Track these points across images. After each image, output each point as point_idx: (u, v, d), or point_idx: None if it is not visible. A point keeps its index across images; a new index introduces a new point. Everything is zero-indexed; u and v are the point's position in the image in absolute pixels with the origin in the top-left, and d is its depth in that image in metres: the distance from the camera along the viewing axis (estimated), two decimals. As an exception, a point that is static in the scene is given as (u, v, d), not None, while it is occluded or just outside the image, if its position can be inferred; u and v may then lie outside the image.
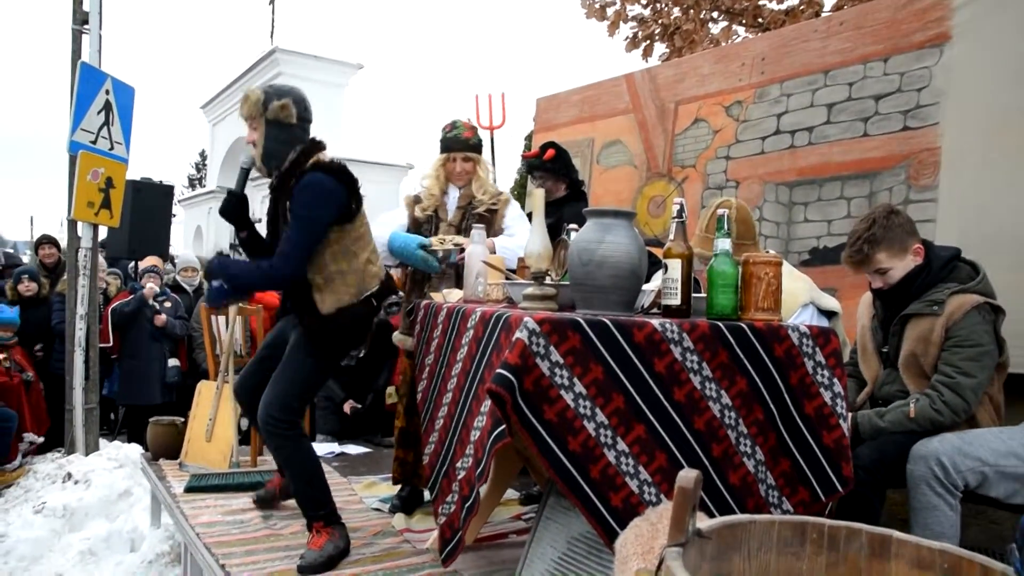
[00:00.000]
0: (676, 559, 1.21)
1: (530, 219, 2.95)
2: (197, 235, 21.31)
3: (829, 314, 2.97)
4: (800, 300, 2.91)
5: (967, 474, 2.43)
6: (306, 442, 2.95)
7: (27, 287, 6.37)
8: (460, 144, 3.48)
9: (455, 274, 3.28)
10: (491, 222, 3.41)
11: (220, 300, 3.13)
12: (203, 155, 31.71)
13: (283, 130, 2.91)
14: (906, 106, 3.90)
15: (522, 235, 3.28)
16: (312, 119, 3.03)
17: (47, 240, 7.17)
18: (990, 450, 2.46)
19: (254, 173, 3.04)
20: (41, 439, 5.72)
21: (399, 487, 3.54)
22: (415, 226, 3.49)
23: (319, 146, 2.98)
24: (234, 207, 3.03)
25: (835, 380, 2.23)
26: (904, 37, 3.93)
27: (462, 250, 3.18)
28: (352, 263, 2.91)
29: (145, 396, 6.38)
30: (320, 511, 2.87)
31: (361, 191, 2.94)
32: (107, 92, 5.17)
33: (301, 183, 2.81)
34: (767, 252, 2.72)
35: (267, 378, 2.93)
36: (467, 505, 2.11)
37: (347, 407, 5.53)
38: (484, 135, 4.78)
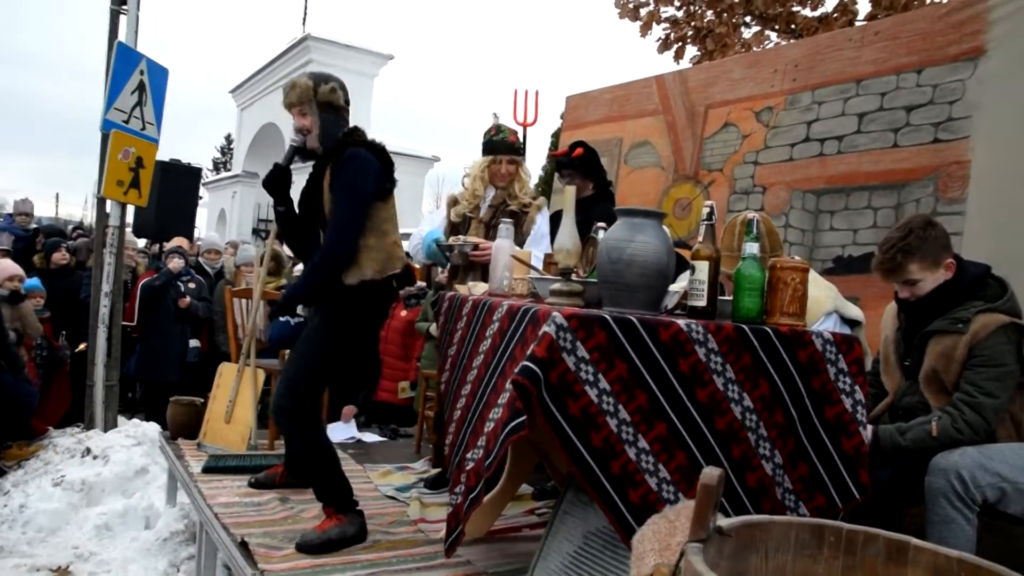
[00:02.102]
0: (697, 555, 1.23)
1: (557, 217, 2.99)
2: (221, 218, 21.49)
3: (852, 323, 2.97)
4: (824, 308, 2.91)
5: (986, 489, 2.41)
6: (319, 429, 2.99)
7: (63, 256, 6.48)
8: (506, 147, 3.62)
9: (482, 269, 3.34)
10: (520, 222, 3.50)
11: (282, 336, 3.16)
12: (229, 139, 31.94)
13: (335, 112, 3.05)
14: (937, 118, 3.87)
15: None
16: (349, 101, 3.17)
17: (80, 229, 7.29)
18: (1010, 466, 2.45)
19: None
20: None
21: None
22: (451, 228, 3.61)
23: (359, 129, 3.10)
24: (278, 180, 3.13)
25: (856, 387, 2.24)
26: (939, 49, 3.90)
27: (475, 247, 3.27)
28: (380, 240, 2.95)
29: (163, 374, 6.46)
30: (331, 497, 2.92)
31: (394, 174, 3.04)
32: (141, 72, 5.24)
33: (344, 157, 2.90)
34: (794, 258, 2.72)
35: None
36: (471, 496, 2.12)
37: (347, 413, 5.50)
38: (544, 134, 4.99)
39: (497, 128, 3.67)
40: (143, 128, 5.32)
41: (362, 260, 2.91)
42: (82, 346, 5.87)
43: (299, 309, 3.31)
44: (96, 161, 5.18)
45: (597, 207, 4.11)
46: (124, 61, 5.11)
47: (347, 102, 3.10)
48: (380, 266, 2.94)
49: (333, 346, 2.97)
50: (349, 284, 2.88)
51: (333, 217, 2.88)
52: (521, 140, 3.77)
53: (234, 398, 4.27)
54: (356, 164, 2.88)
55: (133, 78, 5.18)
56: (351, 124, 3.10)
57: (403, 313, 5.72)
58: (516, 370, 1.81)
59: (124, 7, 5.21)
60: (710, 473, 1.31)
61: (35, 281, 5.90)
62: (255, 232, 18.23)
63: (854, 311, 3.00)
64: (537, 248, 3.38)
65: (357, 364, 3.24)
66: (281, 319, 3.42)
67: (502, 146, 3.61)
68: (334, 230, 2.87)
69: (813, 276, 3.04)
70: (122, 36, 5.19)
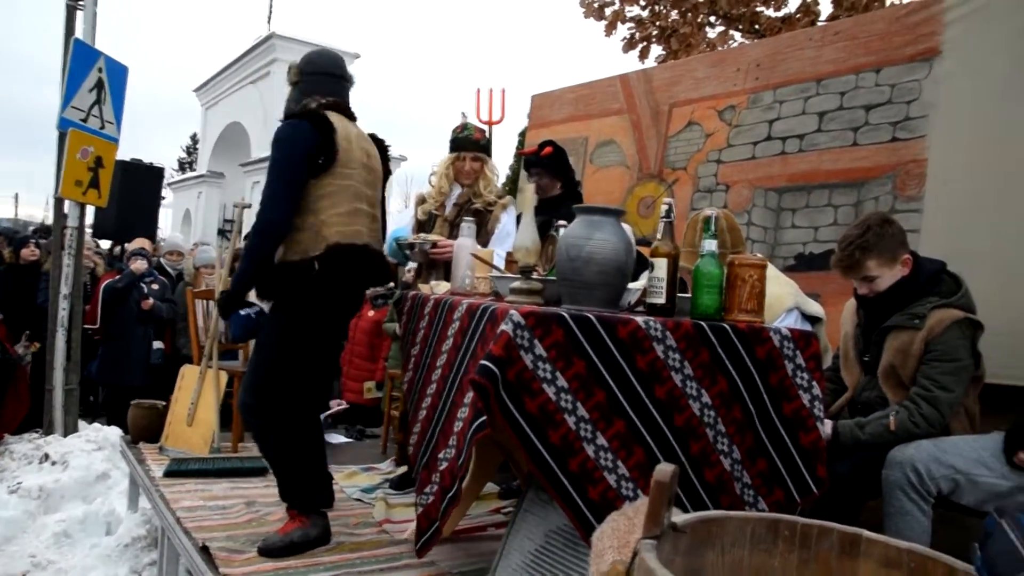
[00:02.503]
0: (650, 551, 1.23)
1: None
2: (186, 219, 21.22)
3: (813, 319, 3.00)
4: (785, 304, 2.95)
5: (940, 481, 2.46)
6: (284, 427, 2.84)
7: (31, 251, 6.35)
8: (471, 144, 3.61)
9: (446, 267, 3.32)
10: (484, 221, 3.48)
11: (246, 331, 3.04)
12: (194, 139, 31.54)
13: (293, 90, 2.99)
14: (895, 117, 3.93)
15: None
16: (325, 70, 3.01)
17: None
18: (963, 458, 2.50)
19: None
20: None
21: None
22: (418, 226, 3.60)
23: (323, 102, 2.88)
24: None
25: (814, 383, 2.26)
26: (896, 49, 3.96)
27: (434, 245, 3.27)
28: (307, 220, 2.74)
29: (126, 377, 6.36)
30: (295, 498, 2.86)
31: (341, 149, 2.78)
32: (100, 70, 5.16)
33: (276, 129, 2.77)
34: (754, 255, 2.75)
35: None
36: (448, 496, 2.12)
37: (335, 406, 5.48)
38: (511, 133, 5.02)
39: (464, 126, 3.67)
40: (102, 127, 5.23)
41: (289, 242, 2.75)
42: (34, 346, 5.78)
43: (254, 300, 3.14)
44: (51, 160, 5.09)
45: (565, 206, 4.12)
46: (81, 58, 5.02)
47: (305, 71, 2.98)
48: (303, 247, 2.73)
49: (286, 338, 2.81)
50: (274, 264, 2.76)
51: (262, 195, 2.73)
52: (488, 139, 3.76)
53: (196, 400, 4.21)
54: (280, 134, 2.72)
55: (91, 76, 5.09)
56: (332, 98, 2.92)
57: (370, 313, 5.68)
58: (475, 369, 1.80)
59: (80, 3, 5.12)
60: (663, 469, 1.31)
61: None
62: (220, 233, 18.01)
63: (815, 308, 3.04)
64: (501, 247, 3.37)
65: (329, 359, 3.05)
66: (242, 312, 3.30)
67: (467, 143, 3.60)
68: (259, 208, 2.71)
69: (775, 273, 3.08)
70: (79, 32, 5.09)
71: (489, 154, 3.71)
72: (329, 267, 2.71)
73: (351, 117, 2.99)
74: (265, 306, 3.42)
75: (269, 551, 2.70)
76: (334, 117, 2.83)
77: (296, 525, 2.80)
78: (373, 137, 3.11)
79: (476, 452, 2.92)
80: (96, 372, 6.46)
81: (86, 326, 5.88)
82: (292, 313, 2.79)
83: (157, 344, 6.58)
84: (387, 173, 3.14)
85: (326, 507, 2.91)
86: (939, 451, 2.51)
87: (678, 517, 1.39)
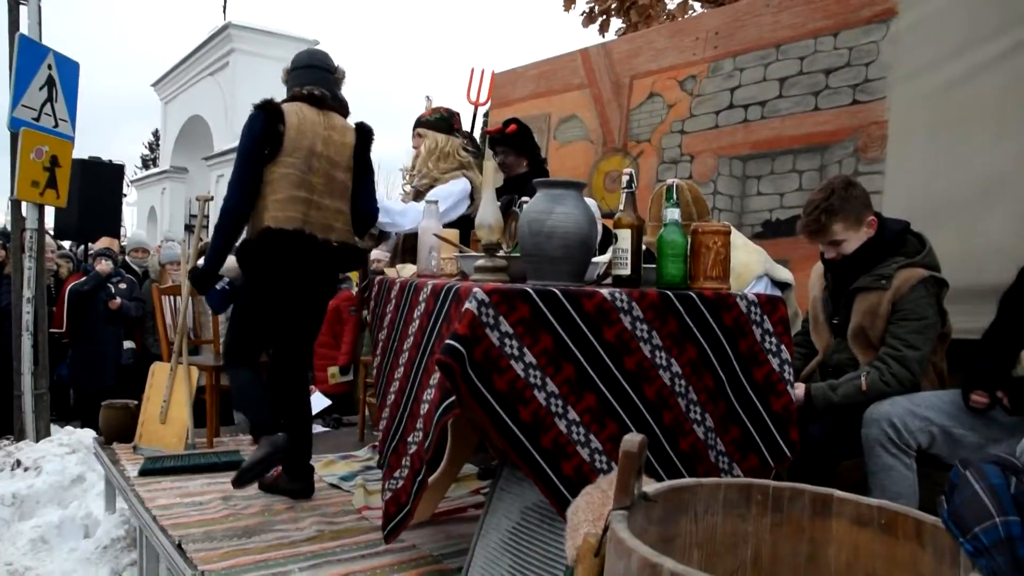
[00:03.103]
0: (621, 522, 1.23)
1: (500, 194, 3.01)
2: (151, 216, 20.90)
3: (783, 285, 3.02)
4: (755, 272, 2.96)
5: (917, 434, 2.49)
6: (244, 371, 3.20)
7: None
8: (417, 121, 3.74)
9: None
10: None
11: (223, 302, 3.74)
12: (156, 135, 31.04)
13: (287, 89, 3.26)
14: (855, 80, 3.94)
15: (413, 206, 3.51)
16: (306, 64, 3.27)
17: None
18: (936, 410, 2.54)
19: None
20: None
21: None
22: None
23: (296, 92, 3.18)
24: None
25: (783, 347, 2.27)
26: (853, 12, 3.97)
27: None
28: (258, 204, 3.03)
29: (98, 379, 6.28)
30: (256, 426, 3.15)
31: (287, 139, 3.02)
32: (49, 67, 5.04)
33: None
34: (715, 223, 2.75)
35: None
36: (418, 480, 2.11)
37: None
38: (467, 111, 5.04)
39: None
40: (56, 125, 5.12)
41: (250, 222, 3.07)
42: None
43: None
44: (7, 162, 4.98)
45: (531, 184, 4.11)
46: (28, 55, 4.89)
47: (288, 69, 3.31)
48: (252, 228, 3.05)
49: (253, 305, 3.19)
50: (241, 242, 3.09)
51: None
52: (439, 115, 3.80)
53: (168, 398, 4.16)
54: (243, 128, 3.04)
55: (40, 73, 4.97)
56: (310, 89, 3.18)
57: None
58: (440, 349, 1.79)
59: (24, -2, 4.99)
60: (631, 440, 1.31)
61: None
62: (187, 228, 17.78)
63: (784, 274, 3.05)
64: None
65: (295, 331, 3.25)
66: (216, 287, 3.63)
67: (417, 121, 3.72)
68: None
69: (743, 241, 3.09)
70: (24, 28, 4.96)
71: (439, 129, 3.73)
72: (261, 250, 3.00)
73: (328, 107, 3.19)
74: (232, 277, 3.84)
75: (239, 477, 2.99)
76: (294, 107, 3.07)
77: (259, 447, 3.06)
78: (359, 125, 3.31)
79: (452, 434, 2.93)
80: (67, 375, 6.37)
81: (52, 330, 5.78)
82: (251, 286, 3.18)
83: (127, 344, 6.50)
84: (362, 161, 3.28)
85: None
86: (913, 405, 2.54)
87: (649, 487, 1.39)
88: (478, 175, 3.69)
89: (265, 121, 2.96)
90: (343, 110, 3.28)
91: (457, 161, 3.72)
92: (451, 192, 3.57)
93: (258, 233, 2.98)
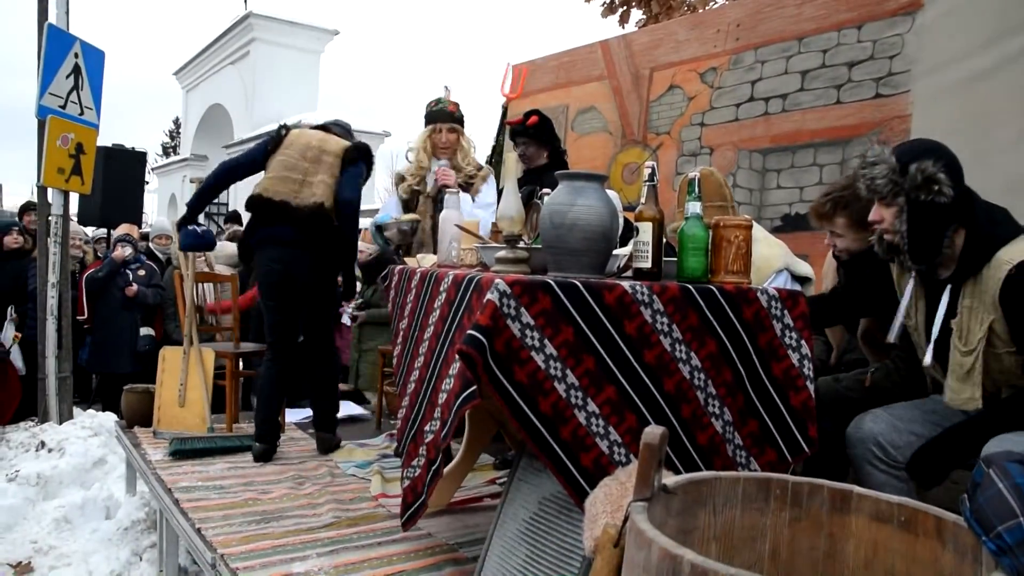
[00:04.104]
0: (641, 513, 1.24)
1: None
2: (172, 203, 21.05)
3: (803, 280, 3.00)
4: (775, 266, 2.94)
5: (905, 449, 2.33)
6: (267, 367, 3.88)
7: (15, 239, 6.28)
8: (445, 116, 3.70)
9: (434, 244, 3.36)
10: (466, 194, 3.57)
11: (192, 241, 3.94)
12: (177, 123, 31.20)
13: None
14: (878, 73, 3.91)
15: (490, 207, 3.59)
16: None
17: (31, 207, 7.03)
18: (921, 422, 2.39)
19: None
20: None
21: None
22: (403, 206, 3.65)
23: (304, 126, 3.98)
24: None
25: (803, 342, 2.26)
26: (878, 4, 3.93)
27: (413, 228, 3.34)
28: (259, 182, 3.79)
29: (115, 365, 6.35)
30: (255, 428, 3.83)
31: (284, 143, 3.80)
32: (76, 55, 5.08)
33: None
34: (738, 216, 2.72)
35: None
36: (433, 469, 2.12)
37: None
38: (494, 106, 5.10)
39: (437, 100, 3.69)
40: (81, 113, 5.17)
41: None
42: (16, 337, 5.75)
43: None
44: (34, 149, 5.03)
45: (550, 175, 4.10)
46: (56, 44, 4.94)
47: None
48: (248, 200, 3.74)
49: (260, 293, 3.91)
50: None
51: None
52: (462, 112, 3.84)
53: (185, 381, 4.22)
54: None
55: (67, 61, 5.02)
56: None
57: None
58: (462, 339, 1.80)
59: (53, -14, 5.03)
60: (652, 432, 1.32)
61: None
62: (207, 216, 17.91)
63: (805, 268, 3.03)
64: (487, 200, 3.45)
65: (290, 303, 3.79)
66: (191, 227, 3.95)
67: (441, 115, 3.67)
68: None
69: (764, 234, 3.08)
70: (52, 18, 5.01)
71: (463, 126, 3.78)
72: (250, 210, 3.73)
73: (327, 129, 3.93)
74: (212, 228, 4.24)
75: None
76: (296, 131, 3.88)
77: None
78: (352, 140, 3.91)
79: (469, 423, 2.95)
80: (86, 361, 6.44)
81: (77, 317, 5.88)
82: (253, 270, 4.10)
83: (145, 330, 6.55)
84: (347, 158, 3.74)
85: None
86: (896, 419, 2.40)
87: (668, 479, 1.40)
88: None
89: (273, 137, 3.81)
90: (345, 135, 3.91)
91: (475, 157, 3.85)
92: (493, 190, 3.72)
93: (248, 199, 3.68)
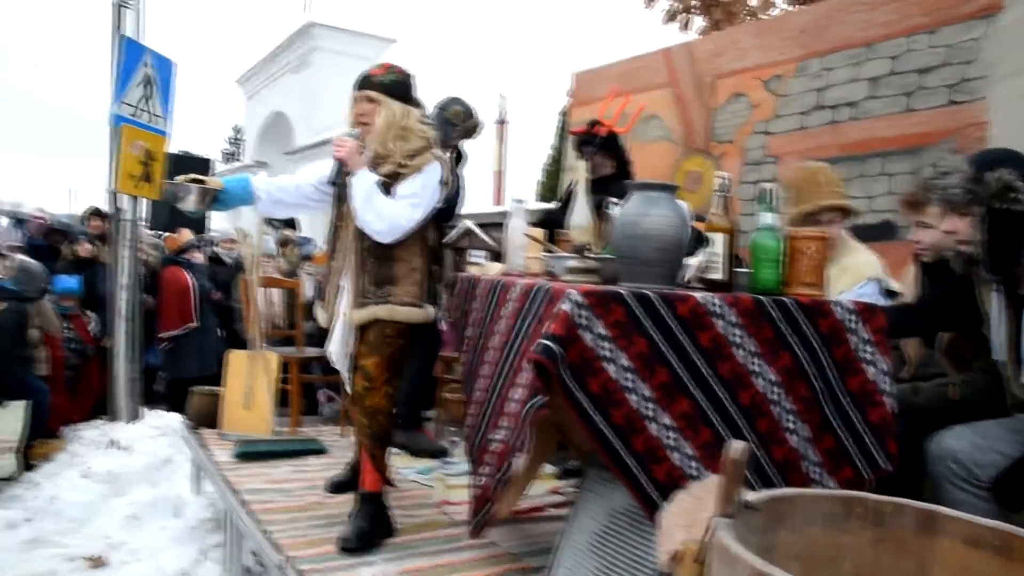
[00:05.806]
0: (727, 529, 1.22)
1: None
2: (234, 210, 21.55)
3: (892, 294, 2.92)
4: (867, 273, 2.86)
5: (989, 468, 2.24)
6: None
7: (86, 249, 6.48)
8: (363, 81, 2.81)
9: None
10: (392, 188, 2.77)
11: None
12: (237, 129, 31.91)
13: None
14: (951, 80, 3.81)
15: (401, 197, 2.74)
16: None
17: (97, 213, 7.24)
18: (1007, 441, 2.29)
19: None
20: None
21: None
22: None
23: None
24: None
25: (880, 356, 2.20)
26: (952, 8, 3.83)
27: (203, 195, 3.02)
28: None
29: (202, 367, 6.46)
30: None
31: None
32: (147, 65, 5.23)
33: None
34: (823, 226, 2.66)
35: None
36: (500, 477, 2.12)
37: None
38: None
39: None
40: (151, 121, 5.32)
41: None
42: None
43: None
44: (103, 156, 5.19)
45: (617, 185, 4.06)
46: (130, 55, 5.10)
47: None
48: None
49: None
50: None
51: None
52: (395, 76, 2.83)
53: (252, 384, 4.30)
54: None
55: (139, 71, 5.18)
56: None
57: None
58: (533, 348, 1.79)
59: (128, 1, 5.20)
60: (736, 446, 1.30)
61: (73, 283, 5.91)
62: (268, 222, 18.26)
63: (896, 283, 2.95)
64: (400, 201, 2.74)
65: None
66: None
67: (361, 80, 2.82)
68: None
69: (862, 244, 3.02)
70: (127, 30, 5.18)
71: (394, 95, 2.78)
72: None
73: None
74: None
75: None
76: None
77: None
78: None
79: (533, 432, 2.94)
80: (166, 366, 6.58)
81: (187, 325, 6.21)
82: None
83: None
84: None
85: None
86: (979, 437, 2.31)
87: (750, 495, 1.37)
88: (444, 155, 2.95)
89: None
90: None
91: (422, 140, 2.82)
92: (428, 184, 2.77)
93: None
